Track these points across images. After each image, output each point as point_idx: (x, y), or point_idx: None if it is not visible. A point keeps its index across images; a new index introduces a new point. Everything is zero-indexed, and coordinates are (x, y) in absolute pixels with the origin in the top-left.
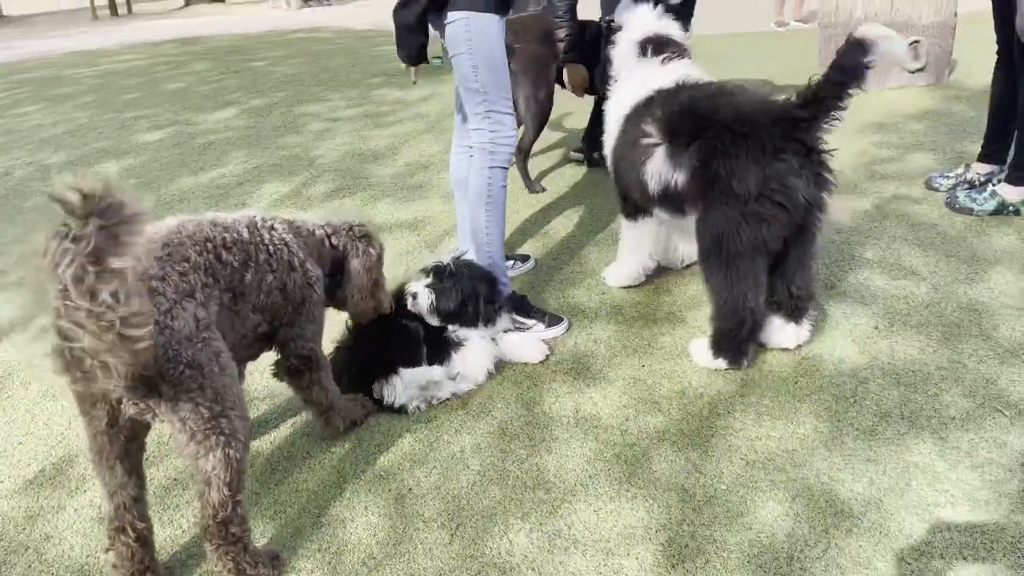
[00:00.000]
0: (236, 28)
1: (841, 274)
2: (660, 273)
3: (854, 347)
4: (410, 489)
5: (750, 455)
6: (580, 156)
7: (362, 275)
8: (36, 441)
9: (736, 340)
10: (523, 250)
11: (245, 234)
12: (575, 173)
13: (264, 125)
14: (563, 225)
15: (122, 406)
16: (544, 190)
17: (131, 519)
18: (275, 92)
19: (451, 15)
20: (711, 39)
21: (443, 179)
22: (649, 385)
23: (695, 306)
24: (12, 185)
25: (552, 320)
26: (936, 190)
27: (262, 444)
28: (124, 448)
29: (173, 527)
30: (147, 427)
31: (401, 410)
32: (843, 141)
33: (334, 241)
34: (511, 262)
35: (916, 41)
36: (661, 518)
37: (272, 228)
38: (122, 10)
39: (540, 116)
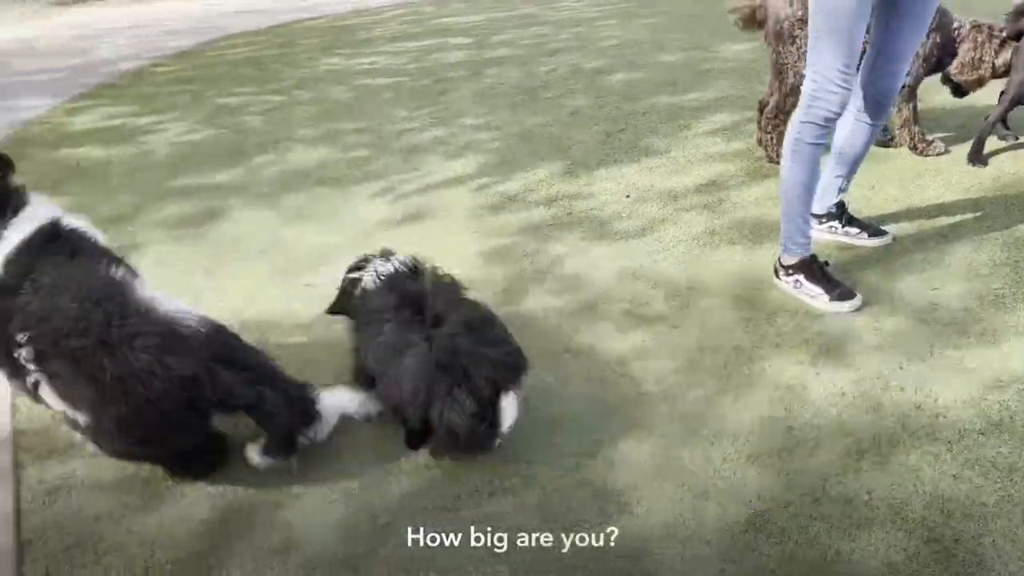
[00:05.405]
0: None
1: None
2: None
3: None
4: None
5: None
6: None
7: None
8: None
9: None
10: (892, 223)
11: None
12: None
13: (764, 61)
14: (960, 210)
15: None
16: (984, 166)
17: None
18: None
19: None
20: None
21: None
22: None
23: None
24: (549, 80)
25: (843, 294)
26: None
27: None
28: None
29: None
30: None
31: None
32: None
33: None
34: (856, 230)
35: None
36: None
37: None
38: None
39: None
